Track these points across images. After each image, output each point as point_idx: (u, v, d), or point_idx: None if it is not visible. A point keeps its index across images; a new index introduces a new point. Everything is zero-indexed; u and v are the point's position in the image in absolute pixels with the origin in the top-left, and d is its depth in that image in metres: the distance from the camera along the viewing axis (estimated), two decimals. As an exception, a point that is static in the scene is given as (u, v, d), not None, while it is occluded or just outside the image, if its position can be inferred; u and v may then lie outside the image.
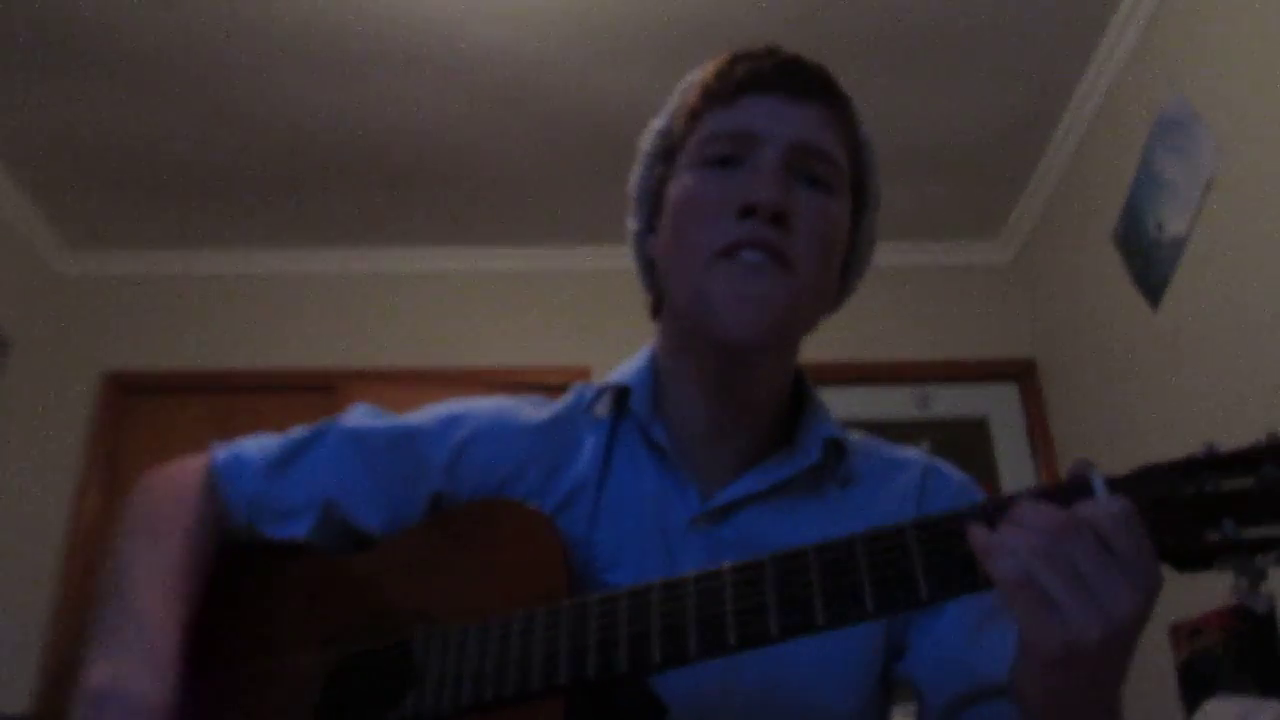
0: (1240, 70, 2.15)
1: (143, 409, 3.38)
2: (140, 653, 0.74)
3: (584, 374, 3.19)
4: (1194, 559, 0.54)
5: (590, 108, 2.85)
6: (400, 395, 3.29)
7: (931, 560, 0.57)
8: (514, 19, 2.57)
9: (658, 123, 0.87)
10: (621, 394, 0.85)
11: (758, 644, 0.61)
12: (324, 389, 3.30)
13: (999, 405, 3.40)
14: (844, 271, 0.86)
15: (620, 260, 3.70)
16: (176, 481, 0.87)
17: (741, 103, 0.79)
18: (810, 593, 0.59)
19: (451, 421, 0.86)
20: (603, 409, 0.85)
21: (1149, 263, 2.54)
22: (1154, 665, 2.43)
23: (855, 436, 0.89)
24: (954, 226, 3.52)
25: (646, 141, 0.87)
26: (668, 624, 0.62)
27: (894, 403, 3.39)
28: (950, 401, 3.41)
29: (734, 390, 0.81)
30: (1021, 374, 3.42)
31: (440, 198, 3.32)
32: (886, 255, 3.53)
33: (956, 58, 2.73)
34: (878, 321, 3.50)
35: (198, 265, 3.58)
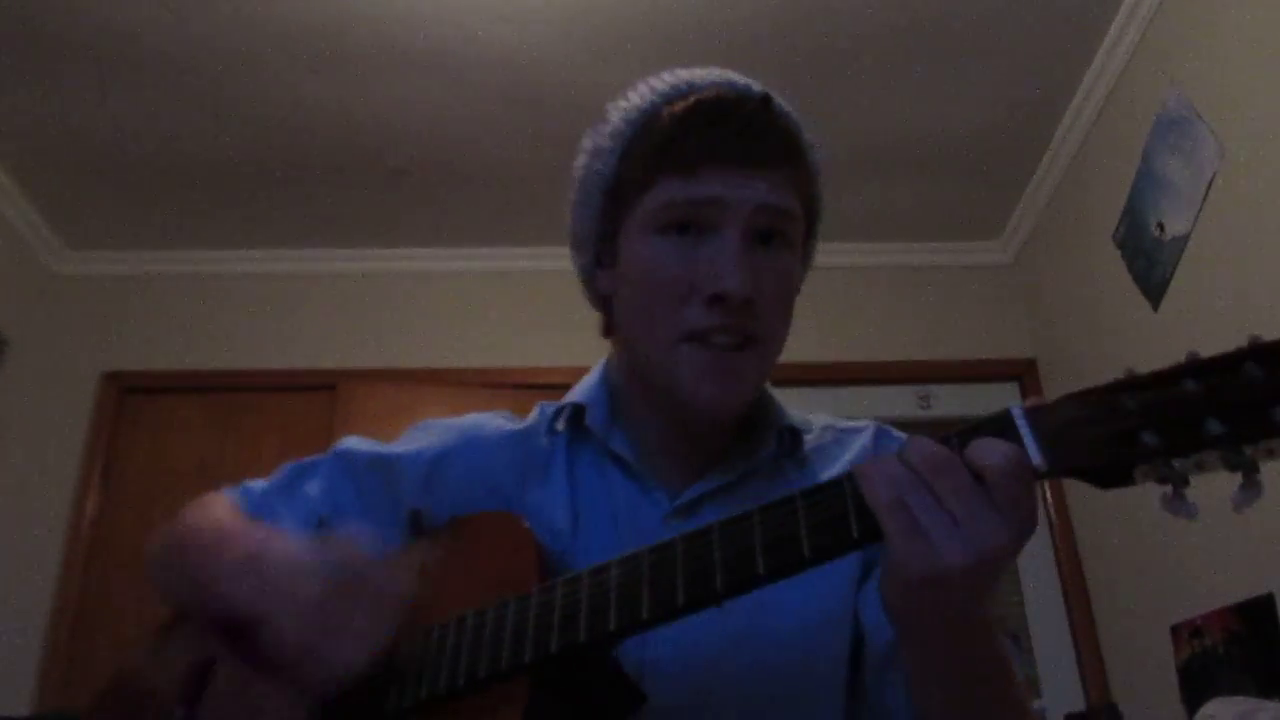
0: (1240, 70, 2.15)
1: (143, 409, 3.38)
2: (261, 539, 0.73)
3: (584, 374, 3.18)
4: (1114, 473, 0.55)
5: (590, 108, 2.82)
6: (400, 395, 3.30)
7: (813, 520, 0.60)
8: (514, 19, 2.57)
9: (601, 162, 0.85)
10: (578, 411, 0.88)
11: (704, 604, 0.63)
12: (324, 389, 3.31)
13: (999, 405, 3.35)
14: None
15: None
16: (199, 503, 0.89)
17: (698, 175, 0.78)
18: (752, 546, 0.62)
19: (424, 442, 0.90)
20: (562, 427, 0.88)
21: (1149, 263, 2.54)
22: (1154, 665, 2.43)
23: (814, 417, 0.93)
24: (954, 226, 3.52)
25: (591, 178, 0.85)
26: (625, 592, 0.65)
27: (894, 403, 3.39)
28: (950, 401, 3.41)
29: (691, 428, 0.84)
30: (1021, 374, 3.42)
31: (440, 198, 3.32)
32: (887, 255, 3.58)
33: (957, 58, 2.73)
34: (878, 321, 3.50)
35: (197, 265, 3.58)
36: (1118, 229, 2.71)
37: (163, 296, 3.54)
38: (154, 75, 2.74)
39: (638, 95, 0.85)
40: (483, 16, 2.56)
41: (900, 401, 3.40)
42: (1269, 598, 2.03)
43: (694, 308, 0.77)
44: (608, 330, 0.90)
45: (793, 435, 0.86)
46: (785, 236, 0.81)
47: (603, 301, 0.89)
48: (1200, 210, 2.29)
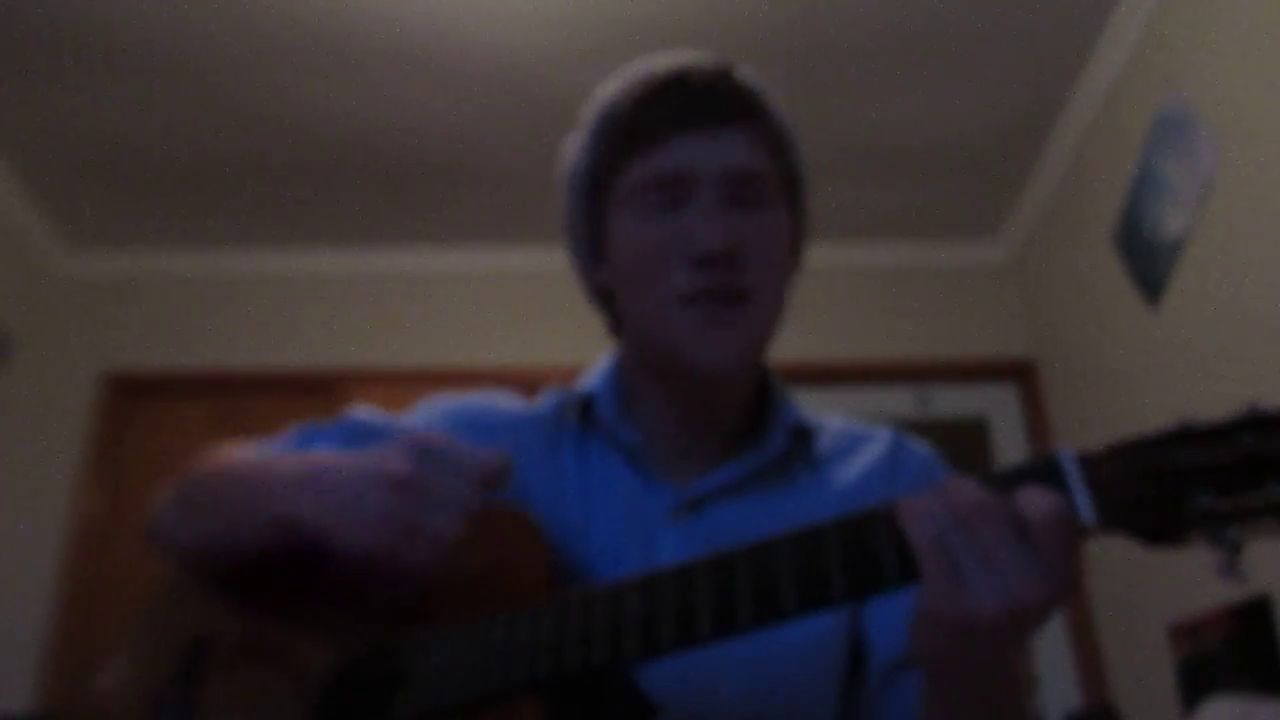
0: (1240, 70, 2.15)
1: (143, 409, 3.38)
2: (305, 456, 0.73)
3: (583, 373, 3.18)
4: (1165, 531, 0.53)
5: (590, 108, 2.85)
6: (400, 395, 3.29)
7: (847, 557, 0.58)
8: (514, 19, 2.57)
9: (575, 154, 0.87)
10: (587, 401, 0.88)
11: (729, 635, 0.61)
12: (324, 389, 3.31)
13: (999, 405, 3.40)
14: (795, 261, 0.89)
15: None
16: (215, 454, 0.87)
17: (666, 145, 0.80)
18: (779, 581, 0.60)
19: (431, 417, 0.89)
20: (571, 417, 0.88)
21: (1149, 263, 2.54)
22: (1154, 665, 2.43)
23: (828, 421, 0.92)
24: (954, 226, 3.52)
25: (569, 177, 0.88)
26: (645, 616, 0.63)
27: (894, 403, 3.39)
28: (950, 401, 3.41)
29: (701, 405, 0.84)
30: (1021, 374, 3.42)
31: (440, 198, 3.32)
32: (887, 255, 3.58)
33: (956, 58, 2.73)
34: (878, 321, 3.50)
35: (198, 265, 3.58)
36: (1117, 229, 2.71)
37: (163, 296, 3.54)
38: (154, 75, 2.74)
39: (604, 91, 0.87)
40: (483, 17, 2.57)
41: (900, 401, 3.40)
42: (1268, 598, 2.03)
43: (680, 273, 0.78)
44: (615, 328, 0.90)
45: (803, 434, 0.86)
46: (762, 197, 0.81)
47: (604, 299, 0.89)
48: (1199, 210, 2.29)
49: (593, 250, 0.87)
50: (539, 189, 3.27)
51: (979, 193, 3.35)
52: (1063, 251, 3.18)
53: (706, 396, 0.83)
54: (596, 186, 0.85)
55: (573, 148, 0.89)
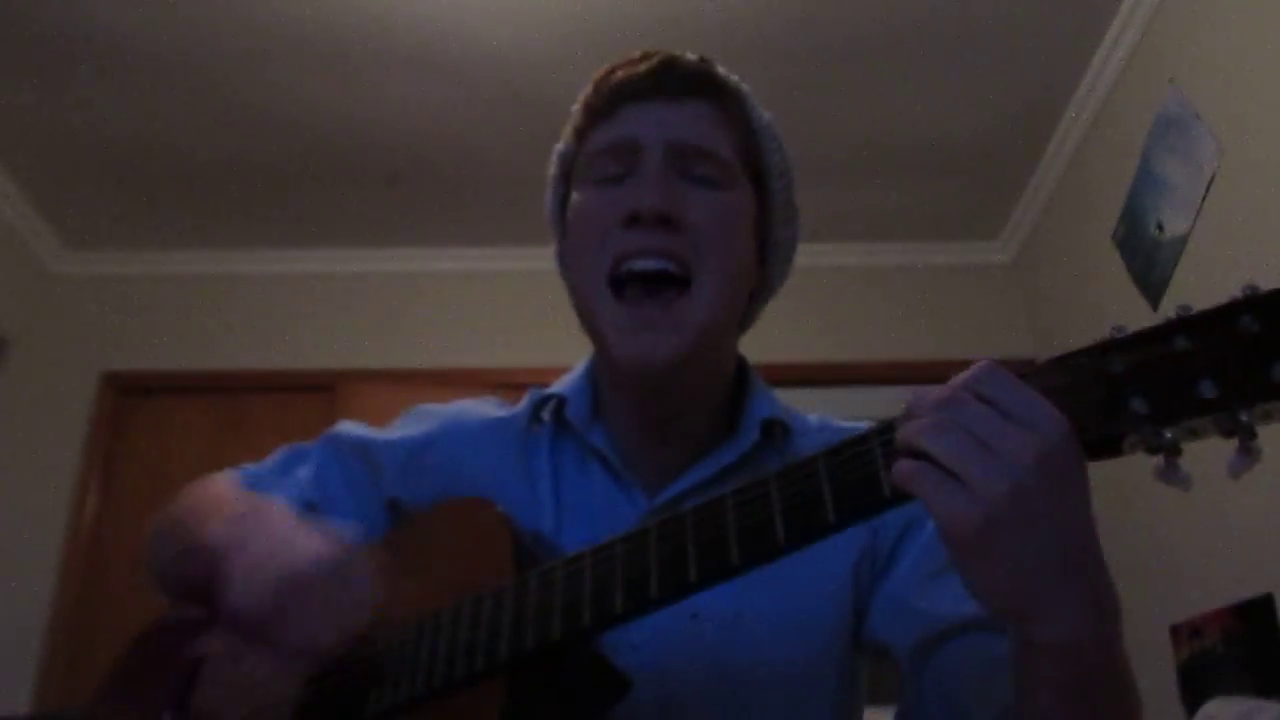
0: (1240, 70, 2.15)
1: (142, 409, 3.38)
2: (247, 503, 0.73)
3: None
4: (1102, 444, 0.51)
5: (590, 108, 2.85)
6: (400, 395, 3.28)
7: (837, 483, 0.56)
8: (514, 19, 2.57)
9: (560, 146, 0.88)
10: (560, 403, 0.86)
11: (680, 594, 0.60)
12: (324, 389, 3.30)
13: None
14: (764, 258, 0.85)
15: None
16: (200, 484, 0.89)
17: (619, 114, 0.80)
18: (725, 534, 0.58)
19: (408, 428, 0.89)
20: (546, 417, 0.87)
21: (1149, 263, 2.54)
22: (1154, 665, 2.43)
23: (810, 418, 0.88)
24: (954, 226, 3.52)
25: (551, 165, 0.89)
26: (598, 586, 0.63)
27: (894, 403, 3.36)
28: (950, 401, 3.41)
29: (659, 402, 0.81)
30: (1021, 374, 3.41)
31: (440, 198, 3.32)
32: (887, 255, 3.57)
33: (956, 58, 2.73)
34: (878, 321, 3.50)
35: (198, 265, 3.58)
36: (1117, 229, 2.71)
37: (163, 296, 3.54)
38: (154, 75, 2.74)
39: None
40: (483, 17, 2.57)
41: (899, 401, 3.40)
42: (1268, 598, 2.03)
43: (613, 236, 0.76)
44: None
45: (776, 428, 0.82)
46: (717, 176, 0.79)
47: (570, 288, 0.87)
48: (1199, 210, 2.29)
49: (563, 237, 0.87)
50: (539, 190, 3.24)
51: (979, 193, 3.35)
52: (1063, 251, 3.18)
53: (655, 390, 0.79)
54: (564, 170, 0.86)
55: (558, 146, 0.89)
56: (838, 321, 3.43)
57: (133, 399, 3.39)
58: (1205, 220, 2.28)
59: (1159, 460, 0.49)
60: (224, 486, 0.84)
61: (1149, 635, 2.48)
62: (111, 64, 2.69)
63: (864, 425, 0.86)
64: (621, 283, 0.77)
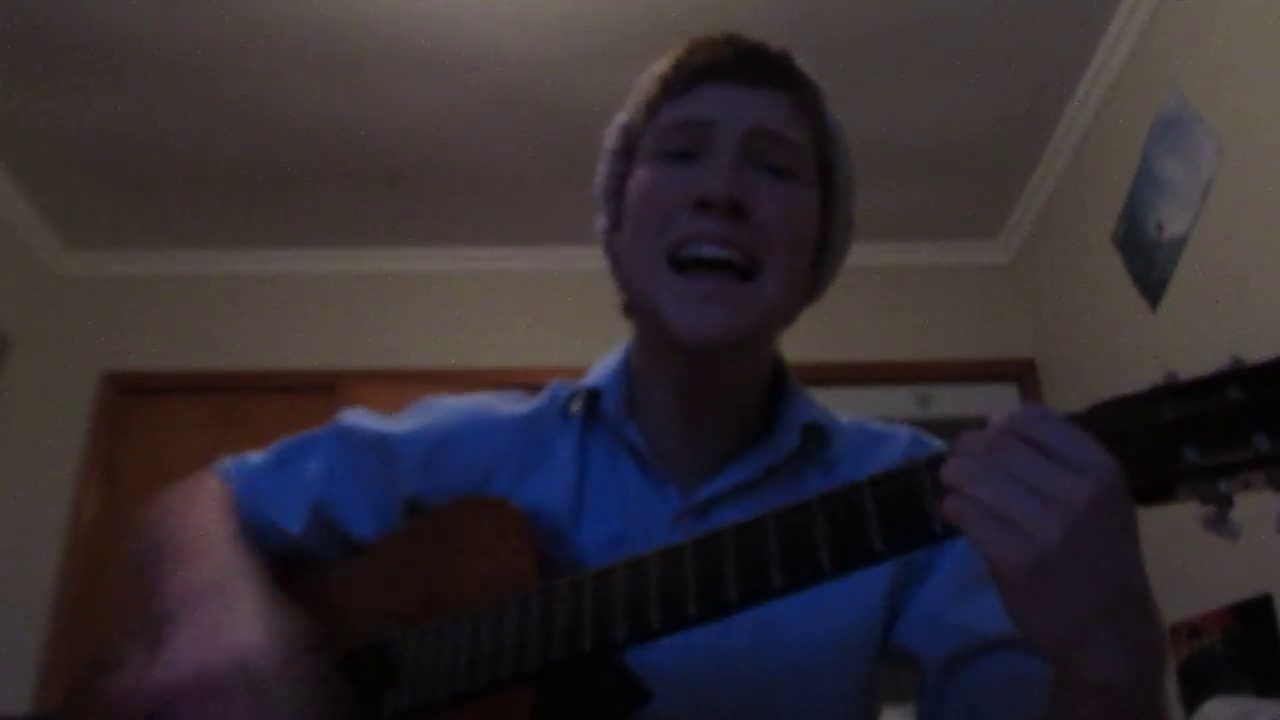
0: (1240, 70, 2.15)
1: (143, 409, 3.38)
2: (221, 569, 0.74)
3: (582, 374, 3.18)
4: (1155, 490, 0.51)
5: (590, 108, 2.84)
6: (400, 395, 3.27)
7: (885, 513, 0.56)
8: (514, 19, 2.57)
9: (620, 118, 0.84)
10: (593, 396, 0.83)
11: (718, 615, 0.60)
12: (324, 389, 3.30)
13: (999, 405, 3.39)
14: (818, 260, 0.83)
15: (620, 260, 3.56)
16: (192, 484, 0.89)
17: (697, 92, 0.77)
18: (767, 558, 0.58)
19: (426, 422, 0.86)
20: (575, 409, 0.84)
21: (1149, 263, 2.54)
22: (1154, 665, 2.42)
23: (843, 420, 0.87)
24: (954, 226, 3.52)
25: (609, 138, 0.85)
26: (632, 601, 0.62)
27: (894, 403, 3.38)
28: (950, 401, 3.41)
29: (704, 387, 0.79)
30: (1021, 374, 3.42)
31: (440, 198, 3.32)
32: (887, 255, 3.57)
33: (956, 58, 2.73)
34: (878, 321, 3.50)
35: (198, 265, 3.58)
36: (1117, 229, 2.71)
37: (163, 296, 3.54)
38: (154, 75, 2.74)
39: (652, 65, 0.85)
40: (483, 17, 2.57)
41: (900, 401, 3.40)
42: (1267, 598, 2.03)
43: (680, 219, 0.74)
44: (629, 308, 0.84)
45: (818, 433, 0.80)
46: (790, 171, 0.76)
47: (620, 273, 0.84)
48: (1199, 210, 2.29)
49: (615, 213, 0.84)
50: (539, 190, 3.27)
51: (979, 193, 3.35)
52: (1063, 251, 3.18)
53: (703, 379, 0.78)
54: (628, 144, 0.82)
55: (618, 115, 0.85)
56: (837, 321, 3.41)
57: (133, 399, 3.39)
58: (1205, 220, 2.28)
59: (1209, 510, 0.50)
60: (203, 515, 0.83)
61: (1149, 635, 2.48)
62: (112, 64, 2.69)
63: (899, 429, 0.85)
64: (680, 264, 0.74)
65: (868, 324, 3.49)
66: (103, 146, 3.02)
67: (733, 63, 0.78)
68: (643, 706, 0.67)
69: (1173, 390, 0.51)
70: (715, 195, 0.72)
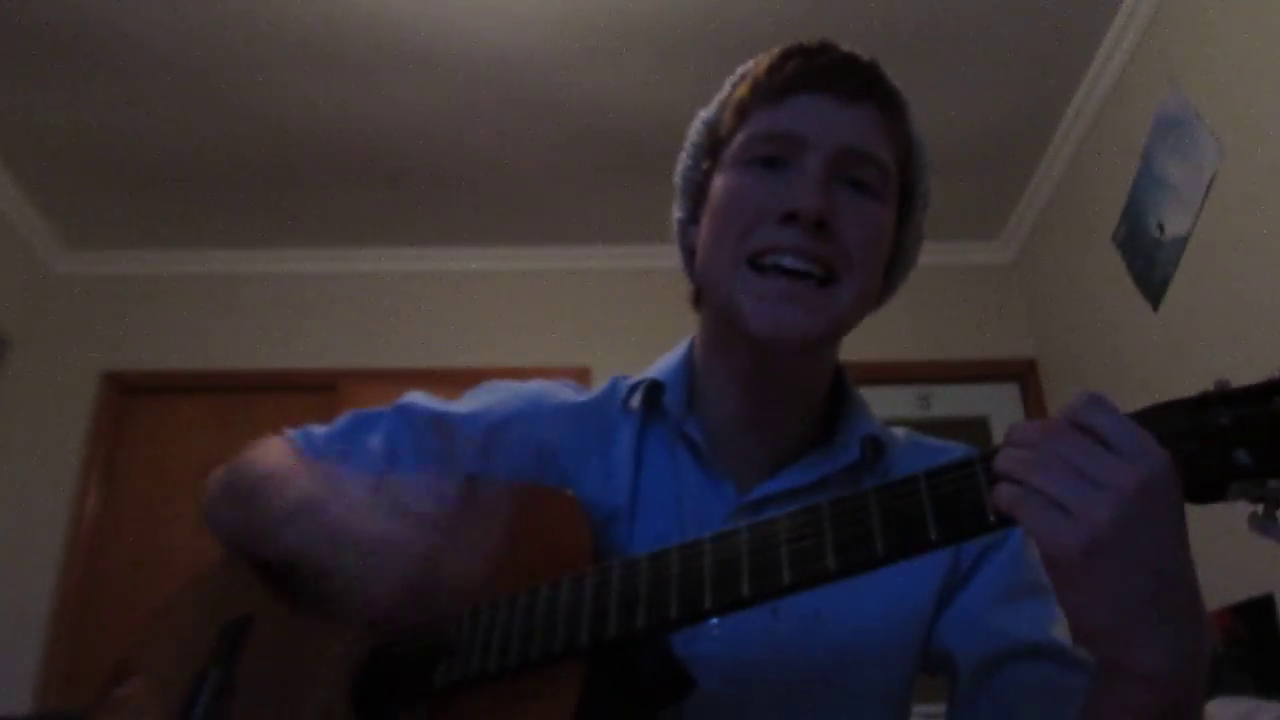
0: (1240, 70, 2.15)
1: (143, 409, 3.38)
2: (323, 477, 0.74)
3: (584, 374, 3.19)
4: (1207, 489, 0.53)
5: (591, 108, 2.85)
6: (400, 395, 3.30)
7: (940, 503, 0.57)
8: (514, 19, 2.57)
9: (705, 113, 0.86)
10: (654, 389, 0.84)
11: (770, 596, 0.61)
12: (325, 389, 3.31)
13: (1000, 405, 3.40)
14: (889, 271, 0.85)
15: (621, 260, 3.70)
16: (262, 446, 0.89)
17: (789, 102, 0.77)
18: (822, 542, 0.60)
19: (488, 403, 0.87)
20: (636, 403, 0.85)
21: (1149, 263, 2.54)
22: (1154, 665, 2.42)
23: (899, 431, 0.88)
24: (954, 226, 3.52)
25: (693, 131, 0.86)
26: (685, 582, 0.63)
27: (894, 403, 3.38)
28: (951, 401, 3.41)
29: (769, 385, 0.80)
30: (1022, 374, 3.41)
31: (440, 198, 3.32)
32: (887, 255, 3.57)
33: (957, 58, 2.73)
34: (878, 321, 3.46)
35: (198, 265, 3.58)
36: (1118, 229, 2.71)
37: (163, 296, 3.54)
38: (154, 75, 2.74)
39: (744, 66, 0.85)
40: (482, 17, 2.57)
41: (900, 401, 3.40)
42: (1268, 598, 2.03)
43: (765, 228, 0.75)
44: (697, 299, 0.85)
45: (876, 446, 0.82)
46: (874, 189, 0.77)
47: (692, 266, 0.85)
48: (1200, 210, 2.29)
49: (692, 210, 0.85)
50: (538, 189, 3.27)
51: (980, 193, 3.35)
52: (1063, 251, 3.18)
53: (769, 379, 0.79)
54: (714, 142, 0.83)
55: (703, 110, 0.86)
56: (838, 321, 3.43)
57: (133, 399, 3.39)
58: (1205, 220, 2.28)
59: (1257, 509, 0.52)
60: (285, 455, 0.84)
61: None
62: (112, 64, 2.69)
63: (955, 446, 0.86)
64: (761, 269, 0.76)
65: (868, 324, 3.43)
66: (103, 146, 3.02)
67: (826, 74, 0.78)
68: (687, 695, 0.68)
69: (1223, 397, 0.54)
70: (804, 209, 0.73)
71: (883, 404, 3.37)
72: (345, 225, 3.46)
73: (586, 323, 3.42)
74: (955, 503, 0.57)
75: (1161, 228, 2.47)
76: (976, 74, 2.79)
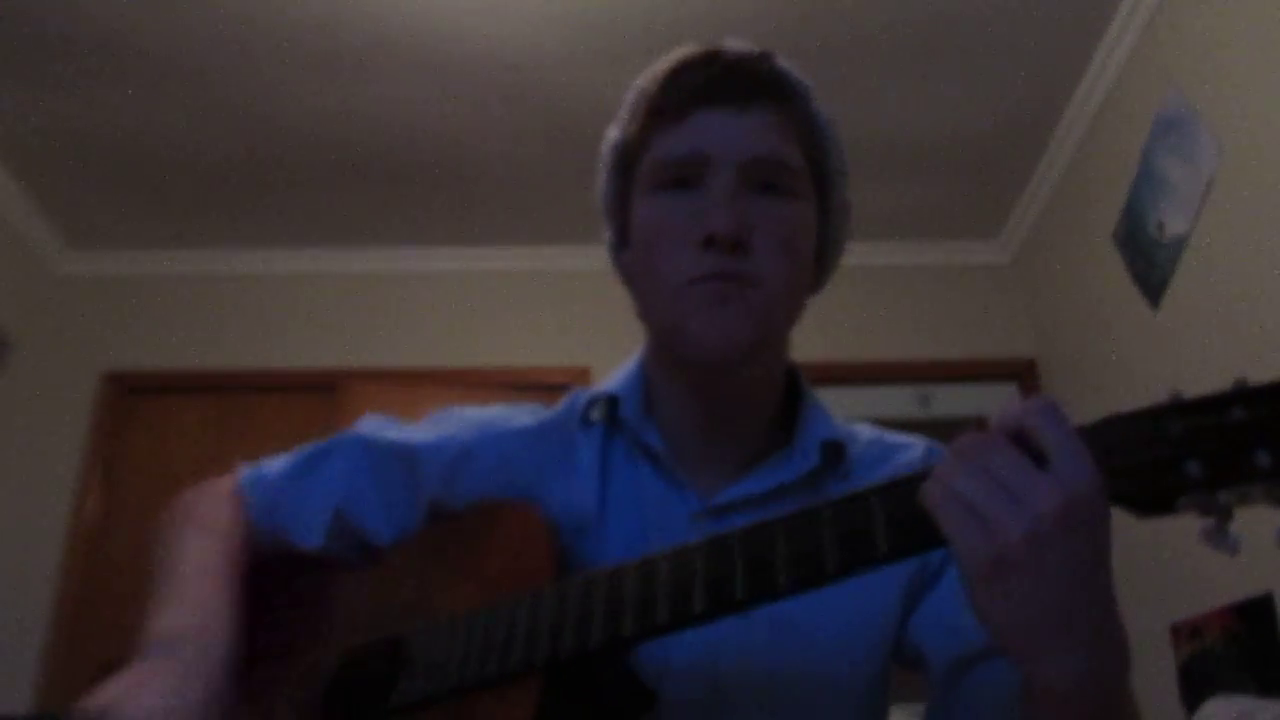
0: (1240, 70, 2.15)
1: (143, 409, 3.38)
2: (201, 611, 0.76)
3: (584, 374, 3.19)
4: (1154, 502, 0.52)
5: (590, 107, 2.85)
6: (400, 395, 3.30)
7: (891, 517, 0.57)
8: (514, 19, 2.57)
9: (612, 133, 0.86)
10: (612, 402, 0.85)
11: (724, 612, 0.61)
12: (324, 389, 3.31)
13: (999, 405, 3.39)
14: (819, 256, 0.85)
15: (620, 260, 3.56)
16: (209, 494, 0.90)
17: (689, 122, 0.78)
18: (773, 558, 0.60)
19: (449, 432, 0.87)
20: (596, 416, 0.86)
21: (1149, 263, 2.54)
22: (1154, 665, 2.43)
23: (861, 427, 0.89)
24: (954, 226, 3.52)
25: (604, 153, 0.87)
26: (641, 597, 0.64)
27: (894, 403, 3.39)
28: (950, 401, 3.41)
29: (719, 395, 0.81)
30: (1022, 374, 3.42)
31: (440, 198, 3.32)
32: (887, 255, 3.57)
33: (957, 57, 2.73)
34: (878, 321, 3.50)
35: (198, 265, 3.58)
36: (1117, 229, 2.71)
37: (163, 296, 3.54)
38: (155, 76, 2.74)
39: (644, 72, 0.86)
40: (482, 16, 2.57)
41: (900, 401, 3.40)
42: (1268, 597, 2.03)
43: (690, 254, 0.76)
44: (642, 315, 0.87)
45: (836, 449, 0.82)
46: (784, 184, 0.78)
47: (629, 284, 0.86)
48: (1200, 210, 2.29)
49: (619, 232, 0.86)
50: (538, 189, 3.27)
51: (979, 193, 3.35)
52: (1063, 251, 3.18)
53: (720, 389, 0.80)
54: (625, 165, 0.84)
55: (611, 129, 0.87)
56: (837, 321, 3.43)
57: (133, 399, 3.39)
58: (1205, 220, 2.28)
59: (1208, 523, 0.51)
60: (214, 545, 0.85)
61: (1150, 635, 2.48)
62: (112, 64, 2.69)
63: (915, 440, 0.87)
64: (692, 282, 0.77)
65: (868, 324, 3.49)
66: (104, 146, 3.02)
67: (719, 84, 0.78)
68: (648, 710, 0.68)
69: (1178, 407, 0.53)
70: (719, 233, 0.74)
71: (883, 403, 3.38)
72: (346, 225, 3.46)
73: (586, 323, 3.42)
74: (905, 516, 0.57)
75: (1161, 228, 2.47)
76: (976, 74, 2.79)
